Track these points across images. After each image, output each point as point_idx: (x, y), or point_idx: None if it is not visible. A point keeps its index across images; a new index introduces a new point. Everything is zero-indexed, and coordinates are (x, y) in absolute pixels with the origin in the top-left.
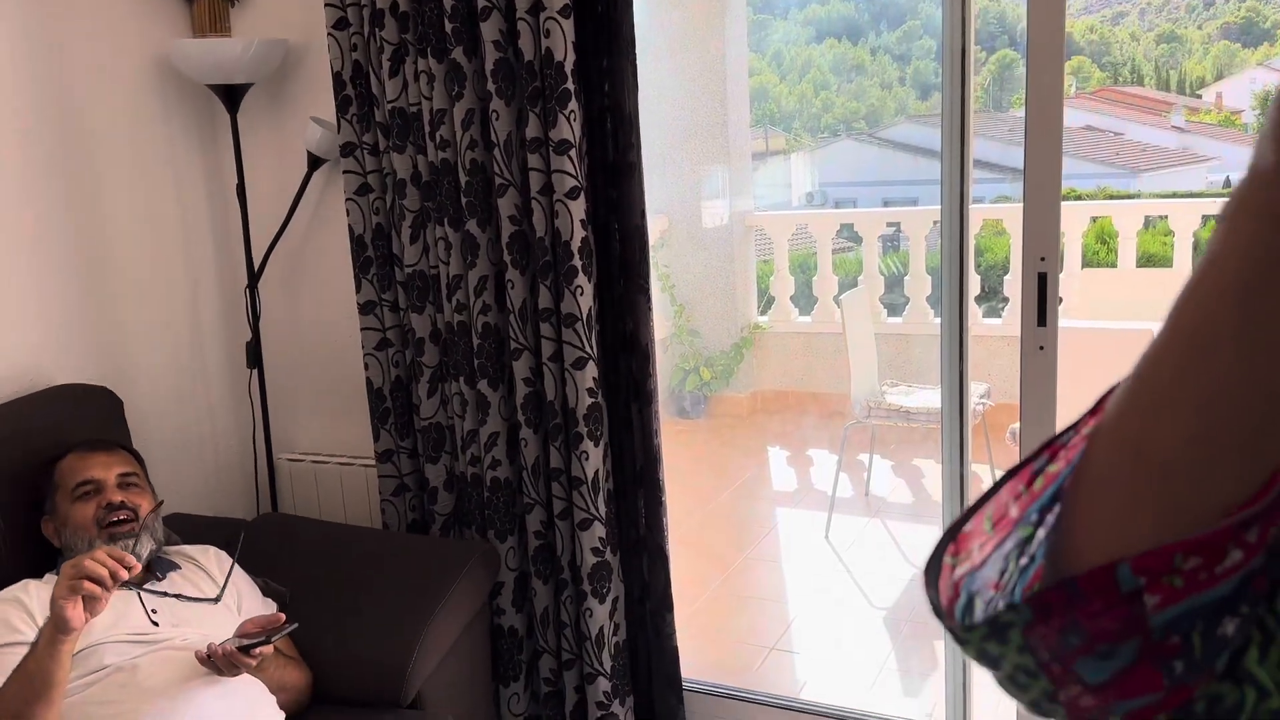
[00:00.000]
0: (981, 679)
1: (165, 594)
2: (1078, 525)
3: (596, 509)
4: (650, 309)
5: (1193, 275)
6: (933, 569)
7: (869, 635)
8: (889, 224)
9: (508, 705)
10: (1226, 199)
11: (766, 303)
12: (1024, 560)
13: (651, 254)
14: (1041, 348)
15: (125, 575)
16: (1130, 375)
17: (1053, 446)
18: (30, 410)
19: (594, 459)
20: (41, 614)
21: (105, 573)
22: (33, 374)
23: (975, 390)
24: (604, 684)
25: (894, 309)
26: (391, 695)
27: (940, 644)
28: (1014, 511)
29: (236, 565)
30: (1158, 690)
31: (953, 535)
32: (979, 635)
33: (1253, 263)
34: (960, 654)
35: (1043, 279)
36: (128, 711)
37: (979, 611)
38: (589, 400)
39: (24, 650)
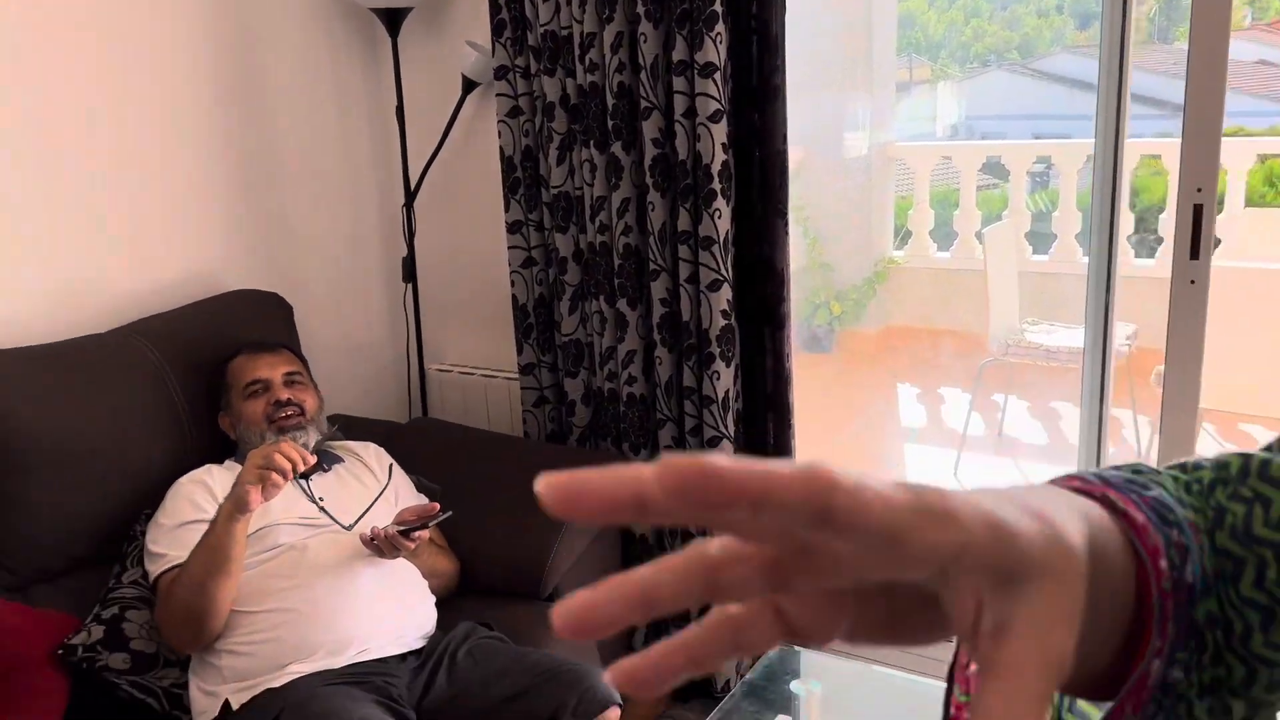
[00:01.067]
0: None
1: (322, 506)
2: None
3: (725, 428)
4: (787, 234)
5: None
6: None
7: None
8: (1038, 159)
9: None
10: None
11: (903, 237)
12: None
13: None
14: (1193, 282)
15: (304, 468)
16: None
17: None
18: (210, 313)
19: (725, 379)
20: (223, 494)
21: (289, 466)
22: (212, 280)
23: (1121, 330)
24: None
25: (1040, 246)
26: (530, 589)
27: None
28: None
29: (404, 475)
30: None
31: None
32: None
33: None
34: None
35: (1198, 211)
36: (299, 585)
37: None
38: (722, 322)
39: (207, 526)
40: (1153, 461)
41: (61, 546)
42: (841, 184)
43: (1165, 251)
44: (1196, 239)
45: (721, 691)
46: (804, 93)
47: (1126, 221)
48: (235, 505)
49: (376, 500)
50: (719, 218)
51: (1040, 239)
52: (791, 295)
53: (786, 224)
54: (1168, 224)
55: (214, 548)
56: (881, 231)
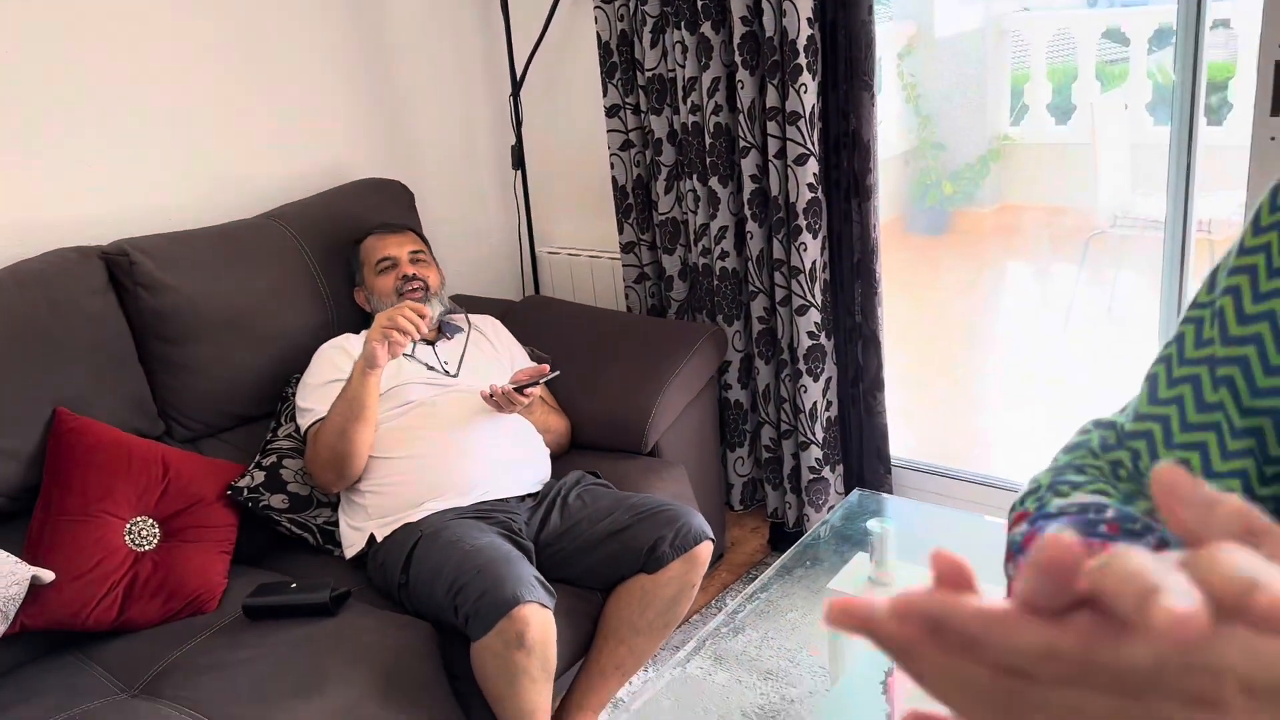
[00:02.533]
0: None
1: (445, 369)
2: None
3: (813, 296)
4: (874, 106)
5: None
6: None
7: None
8: (1160, 26)
9: (734, 467)
10: None
11: (1019, 112)
12: None
13: (897, 63)
14: (1273, 138)
15: (424, 327)
16: None
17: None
18: (341, 199)
19: (812, 250)
20: None
21: (410, 325)
22: (341, 169)
23: (1232, 199)
24: (816, 452)
25: (1162, 117)
26: (634, 445)
27: None
28: None
29: (519, 345)
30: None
31: None
32: None
33: None
34: None
35: (1279, 68)
36: (429, 435)
37: None
38: (809, 195)
39: None
40: None
41: (225, 405)
42: (956, 59)
43: (1234, 118)
44: (1278, 96)
45: None
46: None
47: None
48: (366, 361)
49: (493, 364)
50: (805, 92)
51: (1164, 110)
52: (900, 180)
53: (873, 96)
54: (1238, 91)
55: (350, 399)
56: (997, 107)
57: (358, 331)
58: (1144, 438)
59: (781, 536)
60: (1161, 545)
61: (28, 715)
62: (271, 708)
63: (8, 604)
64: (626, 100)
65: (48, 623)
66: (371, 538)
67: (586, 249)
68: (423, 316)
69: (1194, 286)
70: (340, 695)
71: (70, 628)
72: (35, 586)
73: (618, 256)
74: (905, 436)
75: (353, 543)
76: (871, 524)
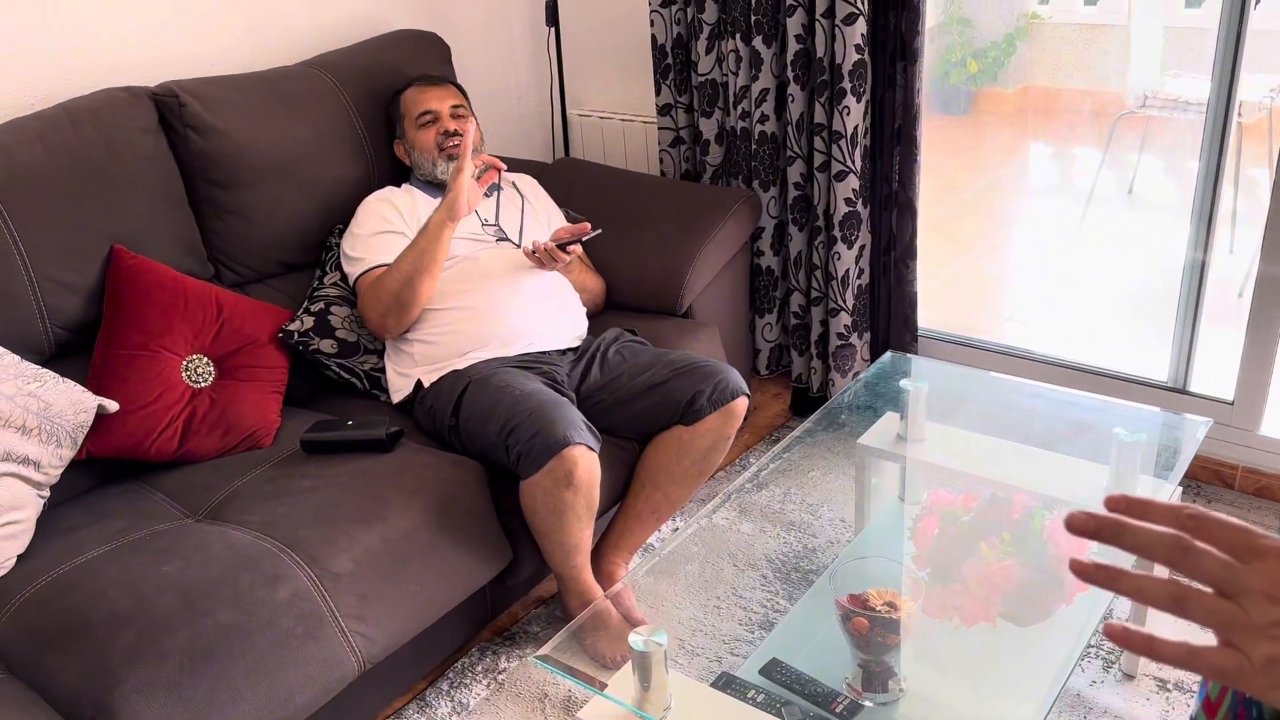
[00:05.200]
0: (1204, 347)
1: (489, 223)
2: None
3: (852, 162)
4: None
5: None
6: None
7: (1106, 310)
8: None
9: (761, 333)
10: None
11: None
12: None
13: None
14: None
15: (498, 174)
16: None
17: None
18: (379, 49)
19: (855, 114)
20: (409, 212)
21: (491, 169)
22: (377, 20)
23: (1265, 83)
24: (845, 319)
25: (1192, 0)
26: (668, 306)
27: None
28: None
29: (551, 202)
30: None
31: None
32: None
33: None
34: (1187, 328)
35: None
36: (475, 289)
37: None
38: (855, 57)
39: (396, 236)
40: None
41: (272, 252)
42: None
43: (1267, 3)
44: None
45: None
46: None
47: None
48: (449, 212)
49: (533, 222)
50: None
51: None
52: (925, 57)
53: None
54: None
55: (423, 249)
56: None
57: (398, 185)
58: None
59: (804, 402)
60: None
61: (100, 534)
62: (335, 531)
63: (76, 431)
64: None
65: (112, 450)
66: (419, 384)
67: (619, 112)
68: (500, 170)
69: (1231, 166)
70: (400, 522)
71: (134, 456)
72: (100, 416)
73: (651, 120)
74: (924, 311)
75: (400, 388)
76: (905, 383)
